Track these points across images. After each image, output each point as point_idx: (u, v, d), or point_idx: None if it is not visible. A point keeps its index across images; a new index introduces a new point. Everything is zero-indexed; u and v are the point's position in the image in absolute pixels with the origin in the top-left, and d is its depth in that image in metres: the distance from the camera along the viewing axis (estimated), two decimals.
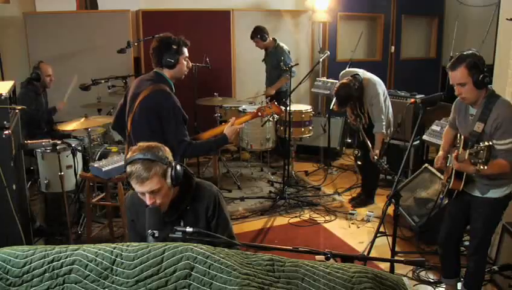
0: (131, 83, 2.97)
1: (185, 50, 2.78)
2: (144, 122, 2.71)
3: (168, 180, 1.84)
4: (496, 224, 2.80)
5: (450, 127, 2.86)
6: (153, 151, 1.82)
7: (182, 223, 1.95)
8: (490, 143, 2.24)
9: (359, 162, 4.51)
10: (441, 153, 2.85)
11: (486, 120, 2.45)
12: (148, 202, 1.84)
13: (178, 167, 1.87)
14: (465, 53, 2.45)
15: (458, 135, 2.72)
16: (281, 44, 5.41)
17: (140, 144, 1.88)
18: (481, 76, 2.38)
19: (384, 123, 4.08)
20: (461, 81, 2.43)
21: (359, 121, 4.22)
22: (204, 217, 1.99)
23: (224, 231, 2.01)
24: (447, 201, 2.95)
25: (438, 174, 3.66)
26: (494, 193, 2.62)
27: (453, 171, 2.64)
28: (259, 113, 3.06)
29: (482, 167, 2.28)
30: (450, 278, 3.00)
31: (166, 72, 2.78)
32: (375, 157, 3.93)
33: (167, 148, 1.92)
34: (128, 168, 1.81)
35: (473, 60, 2.39)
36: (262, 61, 5.62)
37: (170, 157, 1.89)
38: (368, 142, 4.04)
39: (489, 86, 2.51)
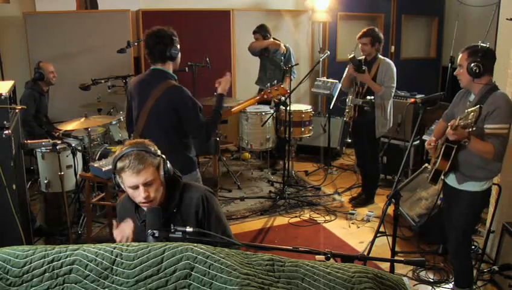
0: (131, 86, 2.92)
1: None
2: (162, 121, 2.70)
3: (162, 172, 1.86)
4: (475, 220, 2.80)
5: (443, 120, 2.89)
6: (144, 145, 1.84)
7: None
8: (479, 105, 2.25)
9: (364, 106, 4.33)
10: (432, 138, 2.88)
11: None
12: (142, 195, 1.80)
13: (168, 163, 1.91)
14: (479, 43, 2.54)
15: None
16: (287, 45, 5.38)
17: (131, 141, 1.91)
18: (473, 64, 2.48)
19: (392, 90, 4.16)
20: (459, 62, 2.60)
21: (360, 92, 4.25)
22: (194, 221, 1.93)
23: (217, 230, 1.95)
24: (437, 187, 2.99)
25: None
26: (471, 186, 2.62)
27: (441, 151, 2.65)
28: (265, 96, 3.05)
29: (471, 129, 2.28)
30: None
31: (168, 66, 2.76)
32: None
33: (155, 146, 1.92)
34: (121, 163, 1.79)
35: (477, 50, 2.50)
36: (263, 56, 5.47)
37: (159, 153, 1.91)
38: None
39: (493, 80, 2.60)
